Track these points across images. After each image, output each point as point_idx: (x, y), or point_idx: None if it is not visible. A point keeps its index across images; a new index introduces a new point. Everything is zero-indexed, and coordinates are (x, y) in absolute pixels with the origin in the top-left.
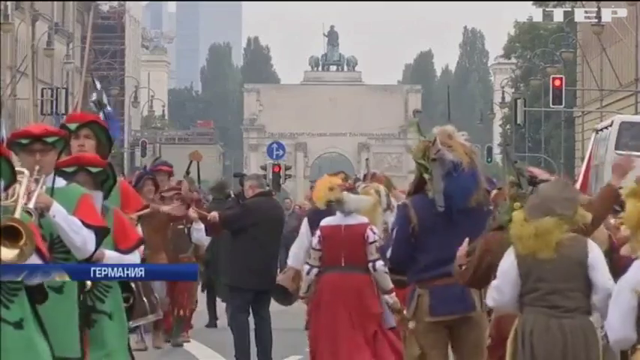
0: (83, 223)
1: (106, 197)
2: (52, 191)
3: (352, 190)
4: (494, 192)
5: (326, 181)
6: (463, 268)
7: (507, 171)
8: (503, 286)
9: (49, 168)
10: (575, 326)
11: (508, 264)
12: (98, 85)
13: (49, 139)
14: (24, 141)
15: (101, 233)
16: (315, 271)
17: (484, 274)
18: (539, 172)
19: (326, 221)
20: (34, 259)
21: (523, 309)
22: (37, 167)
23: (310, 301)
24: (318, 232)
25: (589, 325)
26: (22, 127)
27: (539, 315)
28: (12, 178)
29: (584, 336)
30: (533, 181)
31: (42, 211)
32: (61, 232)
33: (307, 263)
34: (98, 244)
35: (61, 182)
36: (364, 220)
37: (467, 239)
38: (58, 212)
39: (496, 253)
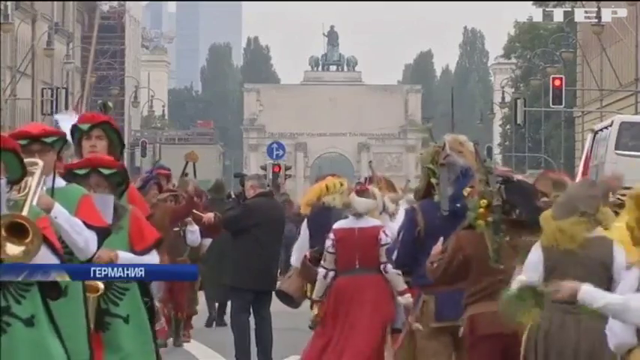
0: (85, 223)
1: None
2: (52, 192)
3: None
4: (467, 190)
5: (322, 185)
6: (435, 265)
7: (476, 169)
8: (529, 279)
9: (48, 168)
10: (591, 324)
11: (536, 257)
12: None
13: (48, 140)
14: (22, 142)
15: (103, 233)
16: (331, 274)
17: (455, 272)
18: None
19: (339, 224)
20: (46, 252)
21: None
22: None
23: (323, 304)
24: (331, 235)
25: (604, 324)
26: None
27: (556, 312)
28: (21, 172)
29: (599, 335)
30: (507, 179)
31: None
32: (63, 234)
33: (322, 267)
34: (99, 245)
35: (60, 183)
36: (377, 222)
37: (441, 238)
38: (60, 213)
39: (468, 251)
